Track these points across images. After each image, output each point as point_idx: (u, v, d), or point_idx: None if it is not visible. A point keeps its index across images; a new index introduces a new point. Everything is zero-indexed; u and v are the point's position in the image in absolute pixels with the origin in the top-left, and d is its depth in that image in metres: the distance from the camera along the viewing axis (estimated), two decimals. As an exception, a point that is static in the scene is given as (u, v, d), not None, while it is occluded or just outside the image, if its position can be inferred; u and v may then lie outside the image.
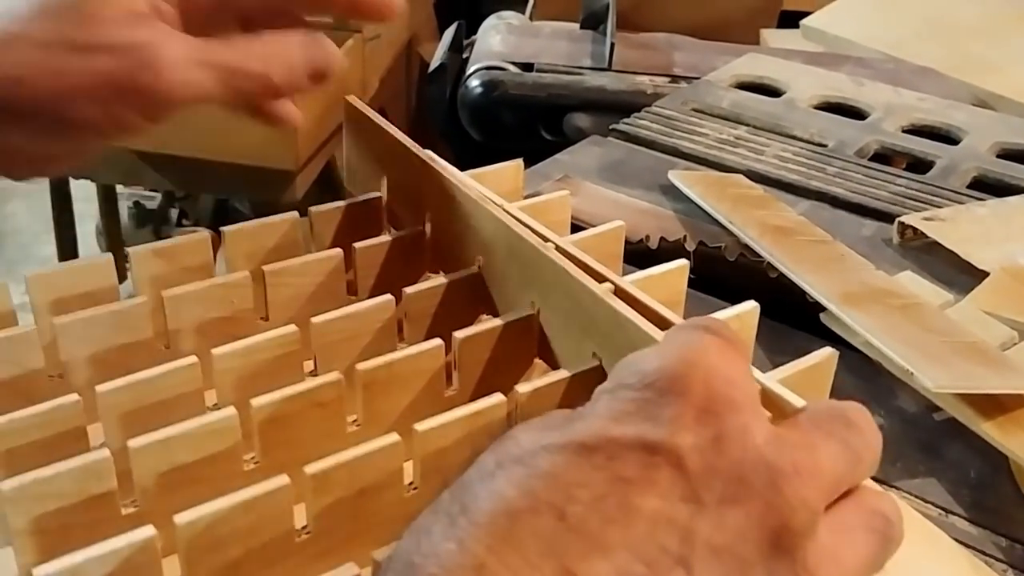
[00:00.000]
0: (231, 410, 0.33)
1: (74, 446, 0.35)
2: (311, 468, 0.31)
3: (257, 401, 0.34)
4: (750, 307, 0.42)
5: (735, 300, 0.55)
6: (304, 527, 0.32)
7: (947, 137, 0.80)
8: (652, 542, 0.21)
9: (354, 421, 0.37)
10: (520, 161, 0.52)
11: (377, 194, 0.49)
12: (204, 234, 0.44)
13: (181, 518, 0.29)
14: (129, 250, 0.43)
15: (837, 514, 0.24)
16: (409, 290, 0.42)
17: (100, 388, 0.36)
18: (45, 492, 0.30)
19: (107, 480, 0.31)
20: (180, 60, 0.36)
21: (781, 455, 0.23)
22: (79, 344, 0.40)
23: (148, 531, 0.29)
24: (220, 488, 0.32)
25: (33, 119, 0.36)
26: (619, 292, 0.40)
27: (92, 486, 0.31)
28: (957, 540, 0.38)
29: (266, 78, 0.36)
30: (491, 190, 0.47)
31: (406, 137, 0.47)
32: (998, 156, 0.76)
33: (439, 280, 0.43)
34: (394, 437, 0.33)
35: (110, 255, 0.43)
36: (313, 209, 0.47)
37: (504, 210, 0.45)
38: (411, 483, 0.34)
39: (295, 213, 0.46)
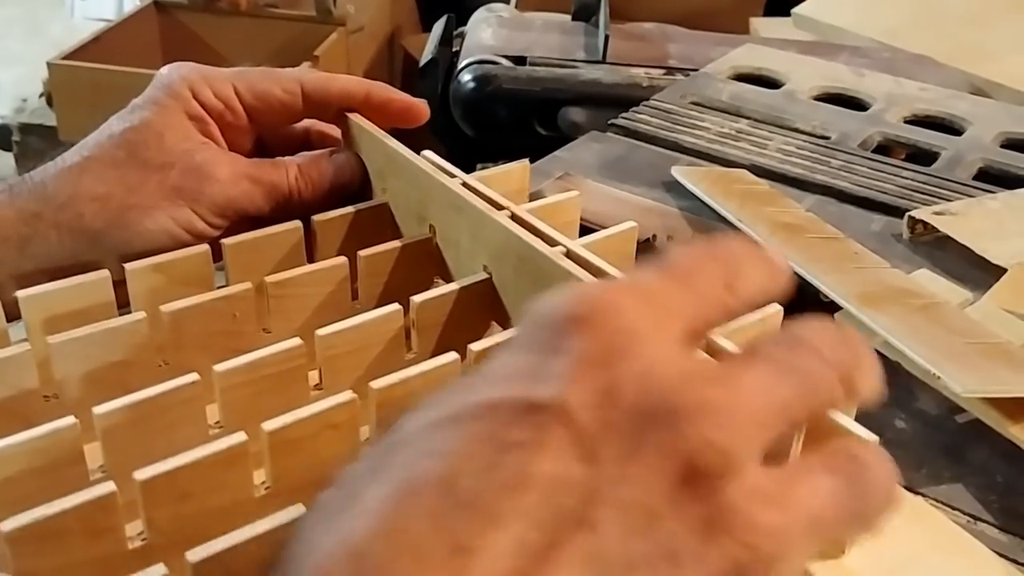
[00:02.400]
0: (241, 435, 0.32)
1: (71, 471, 0.33)
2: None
3: (268, 425, 0.32)
4: (774, 310, 0.40)
5: (746, 300, 0.55)
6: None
7: (950, 127, 0.79)
8: (549, 507, 0.19)
9: (367, 441, 0.36)
10: (526, 162, 0.51)
11: (383, 200, 0.47)
12: (204, 247, 0.43)
13: (194, 555, 0.28)
14: (126, 265, 0.41)
15: (790, 456, 0.22)
16: (417, 299, 0.41)
17: (97, 409, 0.34)
18: (48, 530, 0.29)
19: (113, 515, 0.30)
20: (227, 175, 0.44)
21: (686, 394, 0.21)
22: (74, 363, 0.38)
23: (160, 570, 0.27)
24: (232, 516, 0.30)
25: (113, 232, 0.43)
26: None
27: (97, 522, 0.29)
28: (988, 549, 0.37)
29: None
30: (497, 191, 0.46)
31: (409, 150, 0.46)
32: (1003, 146, 0.75)
33: (448, 288, 0.41)
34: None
35: (106, 272, 0.41)
36: (316, 217, 0.45)
37: (512, 214, 0.44)
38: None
39: (298, 223, 0.45)
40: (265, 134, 0.49)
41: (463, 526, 0.19)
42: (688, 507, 0.20)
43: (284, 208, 0.46)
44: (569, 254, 0.42)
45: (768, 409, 0.21)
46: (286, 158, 0.48)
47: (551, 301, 0.23)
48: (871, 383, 0.24)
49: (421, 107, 0.50)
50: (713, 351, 0.28)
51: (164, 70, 0.47)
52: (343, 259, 0.44)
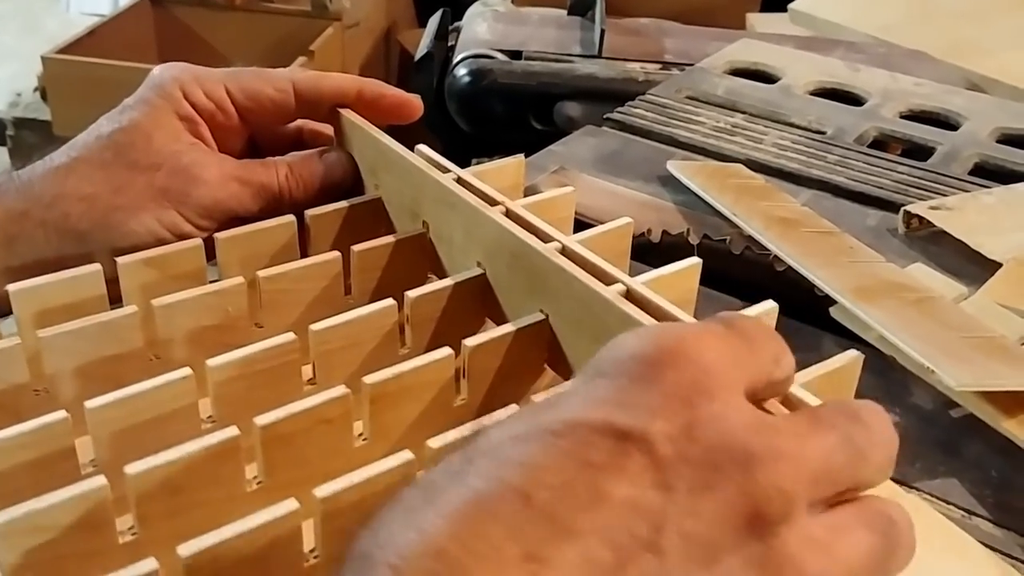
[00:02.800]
0: (233, 430, 0.32)
1: (63, 466, 0.33)
2: (321, 491, 0.30)
3: (261, 419, 0.32)
4: (769, 307, 0.40)
5: (741, 294, 0.54)
6: (312, 551, 0.31)
7: (946, 123, 0.79)
8: (621, 528, 0.21)
9: (361, 436, 0.35)
10: (521, 157, 0.50)
11: (376, 195, 0.47)
12: (196, 241, 0.42)
13: (185, 549, 0.28)
14: (118, 260, 0.41)
15: (835, 512, 0.23)
16: (412, 294, 0.40)
17: (89, 404, 0.34)
18: (38, 525, 0.28)
19: (104, 509, 0.29)
20: (215, 178, 0.44)
21: (759, 441, 0.22)
22: (65, 357, 0.38)
23: (151, 564, 0.27)
24: (223, 511, 0.30)
25: (99, 233, 0.43)
26: (630, 294, 0.39)
27: (88, 516, 0.29)
28: (982, 543, 0.37)
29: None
30: (492, 186, 0.46)
31: (401, 146, 0.46)
32: (998, 141, 0.75)
33: (443, 284, 0.41)
34: (407, 455, 0.31)
35: (98, 265, 0.41)
36: (309, 212, 0.45)
37: (507, 209, 0.44)
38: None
39: (291, 217, 0.44)
40: (257, 134, 0.49)
41: (538, 536, 0.20)
42: (749, 546, 0.21)
43: (275, 208, 0.46)
44: (564, 250, 0.41)
45: (824, 468, 0.23)
46: (276, 158, 0.47)
47: (637, 336, 0.24)
48: (889, 474, 0.25)
49: (414, 102, 0.50)
50: (786, 402, 0.29)
51: (156, 70, 0.47)
52: (336, 254, 0.44)
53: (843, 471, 0.23)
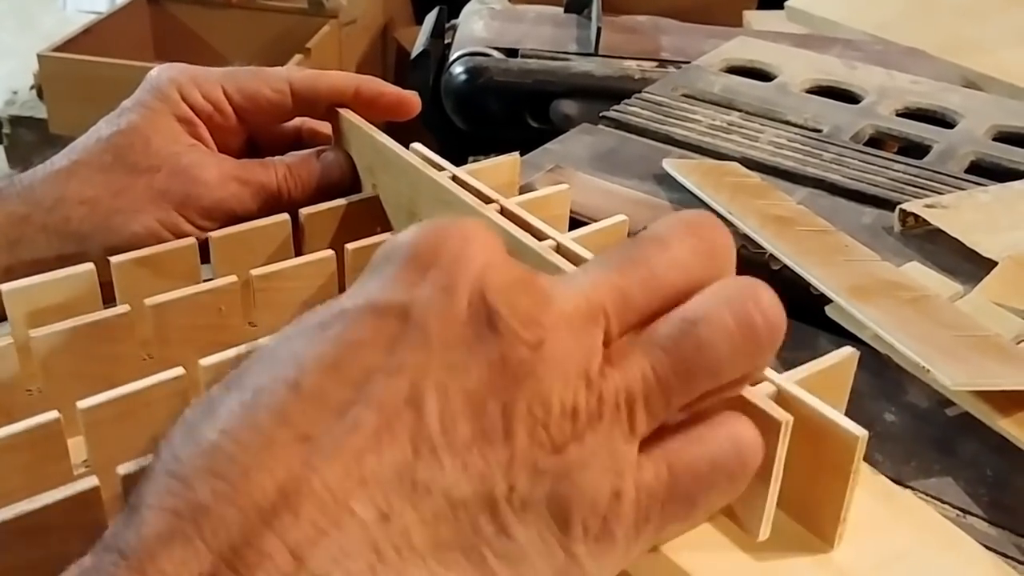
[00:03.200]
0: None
1: (55, 466, 0.33)
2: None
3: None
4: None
5: (737, 293, 0.54)
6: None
7: (942, 120, 0.78)
8: (384, 391, 0.22)
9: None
10: (516, 155, 0.50)
11: (371, 194, 0.47)
12: (190, 240, 0.42)
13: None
14: (111, 259, 0.41)
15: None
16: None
17: (81, 403, 0.34)
18: (30, 526, 0.28)
19: (96, 511, 0.29)
20: (214, 178, 0.44)
21: (504, 299, 0.23)
22: (58, 357, 0.38)
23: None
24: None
25: (100, 236, 0.43)
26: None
27: (81, 517, 0.29)
28: (978, 542, 0.37)
29: None
30: (487, 185, 0.45)
31: (399, 145, 0.46)
32: (995, 139, 0.75)
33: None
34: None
35: (91, 264, 0.40)
36: (304, 210, 0.45)
37: (502, 207, 0.44)
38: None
39: (285, 215, 0.44)
40: (256, 133, 0.50)
41: (308, 417, 0.21)
42: (504, 391, 0.22)
43: (273, 208, 0.46)
44: (558, 248, 0.41)
45: (582, 308, 0.24)
46: (275, 158, 0.48)
47: (406, 233, 0.25)
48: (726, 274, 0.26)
49: (412, 100, 0.50)
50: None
51: (154, 71, 0.47)
52: (330, 252, 0.43)
53: (618, 298, 0.24)
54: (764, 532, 0.32)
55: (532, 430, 0.22)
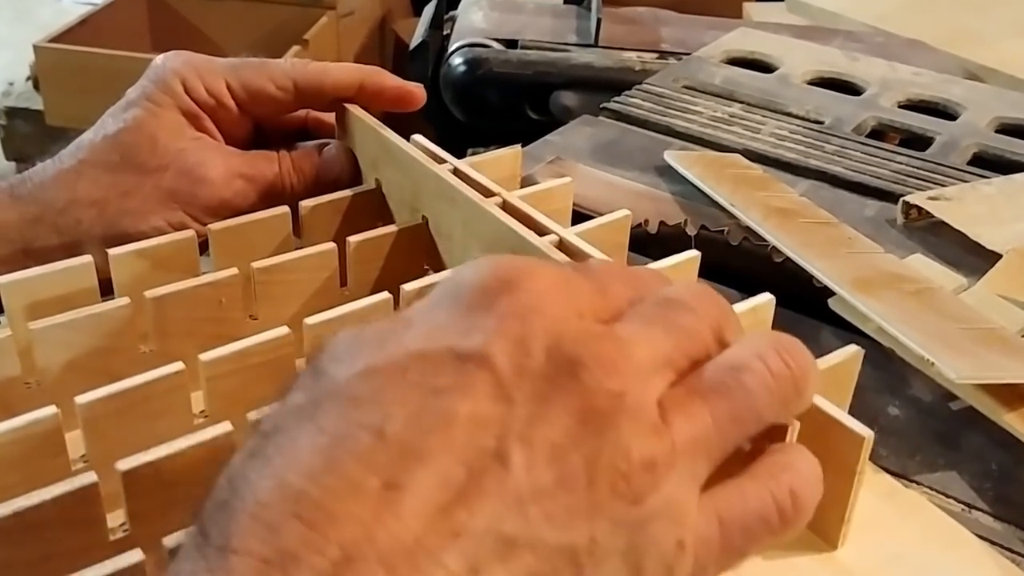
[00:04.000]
0: (227, 425, 0.31)
1: (53, 460, 0.33)
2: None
3: (255, 415, 0.32)
4: (765, 299, 0.40)
5: (740, 285, 0.54)
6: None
7: (944, 112, 0.78)
8: (470, 444, 0.21)
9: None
10: (518, 147, 0.50)
11: (371, 186, 0.46)
12: (189, 232, 0.42)
13: (171, 541, 0.27)
14: (109, 251, 0.40)
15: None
16: (409, 287, 0.40)
17: (80, 398, 0.34)
18: (28, 522, 0.28)
19: (94, 506, 0.29)
20: (220, 176, 0.45)
21: (585, 349, 0.23)
22: (56, 349, 0.38)
23: (136, 555, 0.27)
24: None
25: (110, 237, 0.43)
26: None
27: (79, 513, 0.29)
28: (981, 537, 0.37)
29: None
30: (489, 177, 0.45)
31: (403, 140, 0.45)
32: (997, 131, 0.75)
33: (440, 276, 0.41)
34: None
35: (88, 257, 0.40)
36: (304, 203, 0.45)
37: (504, 200, 0.43)
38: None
39: (285, 208, 0.44)
40: (262, 122, 0.50)
41: (393, 466, 0.21)
42: (589, 444, 0.22)
43: (276, 202, 0.47)
44: (561, 242, 0.41)
45: (653, 359, 0.24)
46: (279, 152, 0.48)
47: (473, 266, 0.25)
48: (737, 334, 0.26)
49: (416, 92, 0.50)
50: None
51: (158, 60, 0.47)
52: (332, 245, 0.43)
53: (672, 354, 0.25)
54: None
55: (614, 482, 0.22)
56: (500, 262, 0.25)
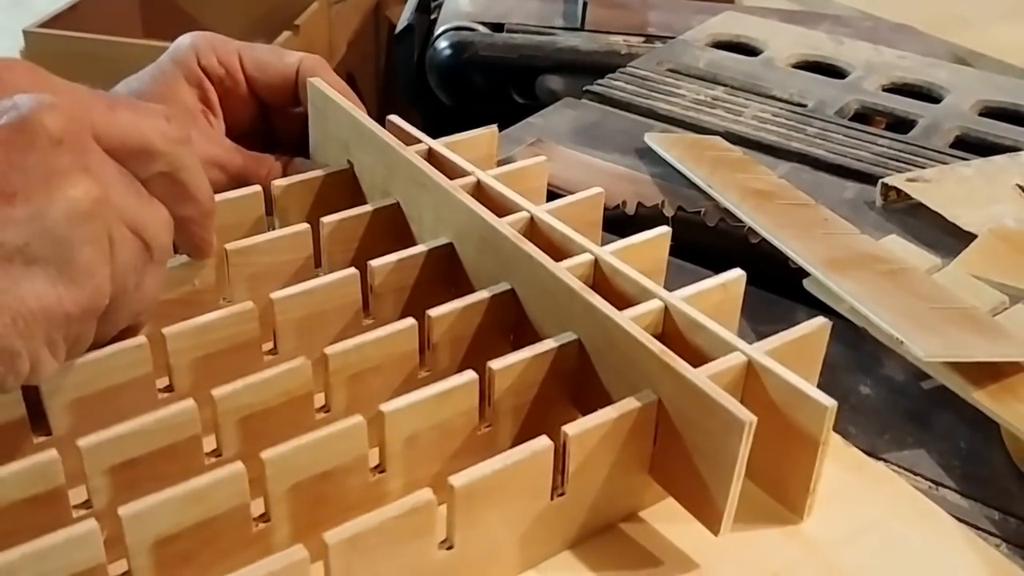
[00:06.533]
0: (190, 402, 0.31)
1: (15, 435, 0.33)
2: (267, 453, 0.29)
3: (219, 392, 0.32)
4: (736, 275, 0.40)
5: (716, 266, 0.54)
6: (262, 515, 0.31)
7: (928, 95, 0.78)
8: None
9: (323, 408, 0.35)
10: (494, 128, 0.50)
11: (345, 167, 0.46)
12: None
13: (126, 511, 0.27)
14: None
15: None
16: (375, 263, 0.40)
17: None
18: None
19: (56, 483, 0.29)
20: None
21: None
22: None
23: (90, 524, 0.27)
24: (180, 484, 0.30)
25: None
26: (599, 263, 0.39)
27: (41, 490, 0.29)
28: (949, 514, 0.37)
29: None
30: (464, 157, 0.45)
31: (373, 121, 0.45)
32: (980, 114, 0.75)
33: (412, 252, 0.41)
34: (358, 419, 0.31)
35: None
36: (277, 182, 0.45)
37: (478, 180, 0.43)
38: (377, 466, 0.32)
39: (258, 187, 0.44)
40: (271, 112, 0.50)
41: None
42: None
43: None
44: (533, 220, 0.41)
45: None
46: (273, 156, 0.49)
47: None
48: None
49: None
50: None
51: (182, 37, 0.49)
52: (306, 226, 0.43)
53: None
54: (725, 528, 0.33)
55: None
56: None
